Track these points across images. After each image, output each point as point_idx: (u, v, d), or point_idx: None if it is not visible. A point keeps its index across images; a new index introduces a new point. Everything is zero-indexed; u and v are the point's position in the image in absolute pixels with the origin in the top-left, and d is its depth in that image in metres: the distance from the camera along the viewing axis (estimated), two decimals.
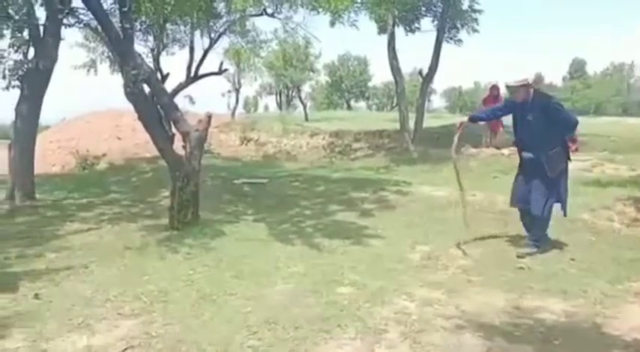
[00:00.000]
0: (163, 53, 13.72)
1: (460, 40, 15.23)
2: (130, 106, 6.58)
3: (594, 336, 3.33)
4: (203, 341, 3.22)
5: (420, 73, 15.75)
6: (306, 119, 26.30)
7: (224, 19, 13.15)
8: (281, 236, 6.02)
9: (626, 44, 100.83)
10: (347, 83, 52.10)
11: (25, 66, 8.49)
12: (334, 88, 52.64)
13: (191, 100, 17.53)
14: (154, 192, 8.94)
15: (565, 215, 5.36)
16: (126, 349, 3.16)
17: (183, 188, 6.29)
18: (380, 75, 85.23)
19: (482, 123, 11.45)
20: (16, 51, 8.67)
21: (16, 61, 8.59)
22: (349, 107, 51.95)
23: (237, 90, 27.83)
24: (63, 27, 8.46)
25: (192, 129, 6.39)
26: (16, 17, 8.65)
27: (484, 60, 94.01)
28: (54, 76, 8.62)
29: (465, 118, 5.62)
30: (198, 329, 3.43)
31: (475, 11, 14.67)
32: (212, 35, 13.38)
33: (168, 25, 12.87)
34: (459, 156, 5.55)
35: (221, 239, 5.86)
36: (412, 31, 15.26)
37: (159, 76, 11.19)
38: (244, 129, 18.43)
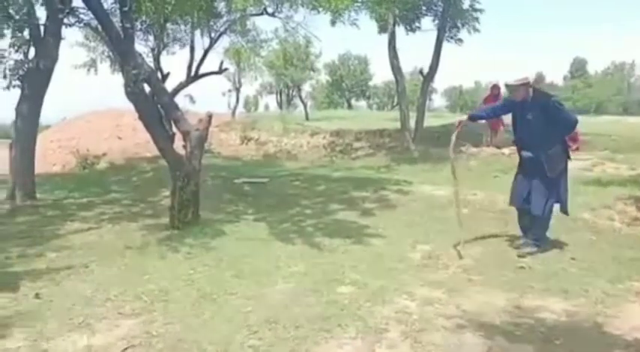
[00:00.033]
0: (164, 53, 13.75)
1: (460, 40, 15.20)
2: (130, 106, 6.58)
3: (595, 336, 3.33)
4: (203, 340, 3.22)
5: (421, 72, 15.73)
6: (307, 118, 26.27)
7: (224, 19, 13.17)
8: (281, 235, 6.02)
9: (627, 43, 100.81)
10: (347, 82, 52.05)
11: (26, 65, 8.49)
12: (335, 87, 52.59)
13: (191, 100, 17.54)
14: (155, 192, 8.94)
15: (567, 214, 5.35)
16: (126, 348, 3.16)
17: (184, 187, 6.30)
18: (380, 74, 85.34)
19: (482, 122, 11.49)
20: (16, 51, 8.67)
21: (16, 61, 8.59)
22: (350, 106, 51.90)
23: (238, 90, 27.82)
24: (63, 26, 8.46)
25: (192, 128, 6.39)
26: (17, 17, 8.65)
27: (485, 59, 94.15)
28: (54, 75, 8.63)
29: (465, 117, 5.60)
30: (199, 328, 3.43)
31: (476, 10, 14.63)
32: (212, 34, 13.39)
33: (168, 25, 12.87)
34: (456, 156, 5.54)
35: (221, 238, 5.86)
36: (413, 30, 15.22)
37: (159, 75, 11.20)
38: (245, 129, 18.42)
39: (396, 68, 15.12)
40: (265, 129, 18.48)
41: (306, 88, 38.89)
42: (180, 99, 14.57)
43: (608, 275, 4.41)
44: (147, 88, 6.54)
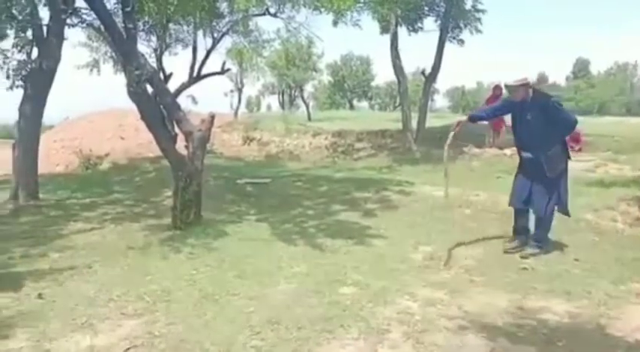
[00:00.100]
0: (166, 53, 13.76)
1: (462, 40, 15.21)
2: (133, 106, 6.59)
3: (598, 337, 3.33)
4: (206, 340, 3.23)
5: (423, 72, 15.72)
6: (309, 119, 26.24)
7: (227, 19, 13.19)
8: (284, 236, 6.02)
9: (630, 44, 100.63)
10: (349, 83, 52.06)
11: (29, 66, 8.51)
12: (337, 88, 52.57)
13: (194, 100, 17.49)
14: (157, 192, 8.95)
15: (569, 215, 5.34)
16: (129, 349, 3.17)
17: (186, 188, 6.30)
18: (382, 74, 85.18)
19: (485, 123, 11.48)
20: (19, 51, 8.69)
21: (19, 61, 8.61)
22: (352, 107, 51.88)
23: (240, 90, 27.84)
24: (66, 27, 8.46)
25: (195, 129, 6.40)
26: (20, 17, 8.66)
27: (487, 59, 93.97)
28: (57, 75, 8.63)
29: (464, 118, 5.58)
30: (201, 328, 3.43)
31: (478, 11, 14.63)
32: (215, 35, 13.40)
33: (171, 25, 12.90)
34: (450, 153, 5.55)
35: (224, 239, 5.86)
36: (415, 30, 15.22)
37: (162, 75, 11.22)
38: (247, 129, 18.44)
39: (398, 69, 15.11)
40: (267, 130, 18.49)
41: (309, 88, 39.00)
42: (183, 100, 14.59)
43: (610, 277, 4.40)
44: (149, 89, 6.55)
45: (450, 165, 5.66)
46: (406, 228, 6.31)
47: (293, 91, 33.36)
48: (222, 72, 14.25)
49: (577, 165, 8.89)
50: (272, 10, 11.93)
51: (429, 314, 3.63)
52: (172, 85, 12.15)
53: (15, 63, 8.58)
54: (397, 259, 5.00)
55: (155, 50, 13.37)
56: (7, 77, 8.49)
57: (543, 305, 3.83)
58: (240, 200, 8.33)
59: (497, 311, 3.71)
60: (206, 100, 26.60)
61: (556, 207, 5.19)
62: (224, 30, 13.38)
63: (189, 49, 13.65)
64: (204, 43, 13.65)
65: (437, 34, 14.71)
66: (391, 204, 7.62)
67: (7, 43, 8.75)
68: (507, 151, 10.96)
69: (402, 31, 15.24)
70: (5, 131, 27.51)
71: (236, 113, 26.57)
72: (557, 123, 4.95)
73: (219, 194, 8.52)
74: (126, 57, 6.48)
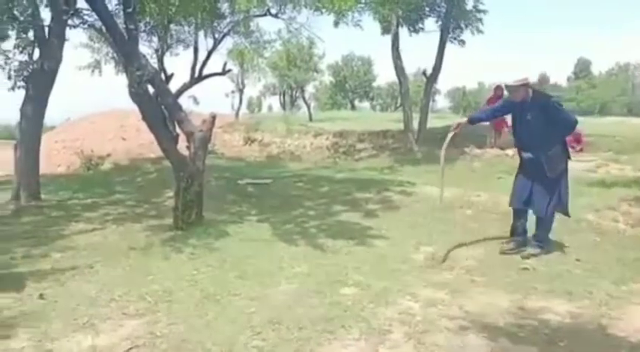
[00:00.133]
0: (167, 54, 13.80)
1: (463, 41, 15.20)
2: (134, 107, 6.60)
3: (599, 338, 3.33)
4: (207, 341, 3.23)
5: (424, 73, 15.72)
6: (310, 119, 26.26)
7: (228, 20, 13.21)
8: (285, 236, 6.02)
9: (631, 44, 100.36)
10: (351, 83, 52.08)
11: (30, 67, 8.52)
12: (338, 88, 52.61)
13: (195, 101, 17.49)
14: (159, 193, 8.96)
15: (569, 216, 5.34)
16: (130, 349, 3.17)
17: (188, 188, 6.31)
18: (384, 75, 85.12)
19: (486, 123, 11.47)
20: (21, 52, 8.71)
21: (21, 62, 8.63)
22: (353, 107, 51.89)
23: (241, 91, 27.89)
24: (68, 28, 8.50)
25: (196, 129, 6.40)
26: (21, 18, 8.68)
27: (488, 60, 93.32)
28: (59, 76, 8.64)
29: (464, 119, 5.56)
30: (203, 329, 3.44)
31: (479, 11, 14.62)
32: (216, 36, 13.43)
33: (172, 26, 12.93)
34: (446, 159, 5.55)
35: (225, 239, 5.87)
36: (416, 31, 15.22)
37: (163, 76, 11.24)
38: (248, 130, 18.46)
39: (399, 69, 15.12)
40: (269, 130, 18.51)
41: (310, 89, 39.00)
42: (184, 100, 14.59)
43: (612, 277, 4.40)
44: (151, 89, 6.55)
45: (446, 167, 5.66)
46: (407, 228, 6.31)
47: (294, 92, 33.38)
48: (224, 72, 14.28)
49: (578, 166, 8.89)
50: (273, 11, 11.95)
51: (430, 315, 3.63)
52: (174, 86, 12.22)
53: (17, 64, 8.60)
54: (398, 259, 5.00)
55: (156, 51, 13.41)
56: (9, 78, 8.52)
57: (544, 305, 3.83)
58: (242, 200, 8.33)
59: (498, 312, 3.71)
60: (207, 101, 26.61)
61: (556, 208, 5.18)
62: (225, 31, 13.41)
63: (191, 50, 13.70)
64: (205, 43, 13.73)
65: (438, 35, 14.72)
66: (392, 205, 7.62)
67: (9, 44, 8.79)
68: (509, 152, 10.95)
69: (403, 31, 15.26)
70: (7, 132, 27.60)
71: (237, 114, 26.63)
72: (557, 123, 4.95)
73: (221, 194, 8.53)
74: (127, 58, 6.49)
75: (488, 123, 11.80)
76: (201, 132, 6.40)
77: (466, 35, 15.10)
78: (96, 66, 14.71)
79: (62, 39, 8.47)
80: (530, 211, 5.26)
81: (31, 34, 8.71)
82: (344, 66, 51.57)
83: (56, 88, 8.65)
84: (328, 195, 8.59)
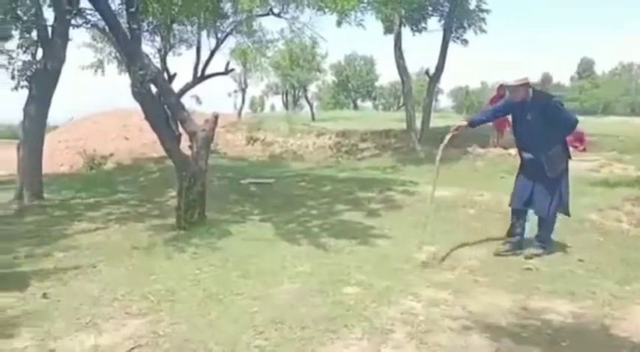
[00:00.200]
0: (170, 53, 13.81)
1: (466, 41, 15.18)
2: (137, 106, 6.61)
3: (602, 338, 3.32)
4: (210, 340, 3.23)
5: (427, 72, 15.71)
6: (313, 119, 26.25)
7: (231, 20, 13.18)
8: (287, 236, 6.02)
9: (634, 44, 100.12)
10: (353, 83, 52.06)
11: (34, 66, 8.54)
12: (341, 88, 52.59)
13: (198, 100, 17.58)
14: (161, 192, 8.98)
15: (569, 215, 5.32)
16: (133, 348, 3.17)
17: (190, 188, 6.31)
18: (386, 74, 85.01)
19: (489, 123, 11.45)
20: (24, 52, 8.74)
21: (24, 62, 8.65)
22: (356, 107, 51.89)
23: (244, 90, 27.82)
24: (71, 27, 8.50)
25: (199, 129, 6.41)
26: (25, 18, 8.71)
27: (491, 59, 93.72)
28: (62, 76, 8.67)
29: (464, 122, 5.53)
30: (205, 328, 3.44)
31: (482, 11, 14.59)
32: (219, 35, 13.42)
33: (175, 26, 12.92)
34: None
35: (227, 239, 5.87)
36: (419, 30, 15.21)
37: (166, 76, 11.24)
38: (251, 129, 18.47)
39: (402, 69, 15.10)
40: (271, 130, 18.51)
41: (312, 88, 39.01)
42: (187, 100, 14.65)
43: (615, 277, 4.39)
44: (154, 89, 6.57)
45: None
46: (410, 227, 6.30)
47: (297, 91, 33.30)
48: (226, 72, 14.27)
49: (581, 165, 8.87)
50: (276, 11, 11.92)
51: (432, 315, 3.63)
52: (176, 85, 12.21)
53: (20, 63, 8.62)
54: (401, 259, 4.99)
55: (159, 50, 13.41)
56: (12, 78, 8.54)
57: (547, 305, 3.82)
58: (244, 200, 8.34)
59: (501, 312, 3.70)
60: (210, 100, 26.68)
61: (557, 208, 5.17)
62: (228, 30, 13.40)
63: (193, 50, 13.69)
64: (208, 43, 13.64)
65: (441, 34, 14.71)
66: (395, 204, 7.62)
67: (12, 44, 8.83)
68: (512, 151, 10.92)
69: (406, 31, 15.26)
70: (10, 131, 27.65)
71: (240, 113, 26.58)
72: (557, 123, 4.93)
73: (223, 194, 8.54)
74: (130, 57, 6.50)
75: (490, 122, 11.79)
76: (204, 131, 6.40)
77: (469, 35, 15.11)
78: (99, 65, 14.75)
79: (65, 39, 8.49)
80: (532, 212, 5.25)
81: (34, 34, 8.74)
82: (346, 65, 51.54)
83: (59, 88, 8.69)
84: (331, 194, 8.59)
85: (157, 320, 3.57)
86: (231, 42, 14.58)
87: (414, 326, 3.43)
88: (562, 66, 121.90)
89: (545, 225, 5.17)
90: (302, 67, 28.66)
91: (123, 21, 7.03)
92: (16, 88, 8.57)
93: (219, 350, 3.13)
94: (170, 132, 6.60)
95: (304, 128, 19.21)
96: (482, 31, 14.79)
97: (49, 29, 8.48)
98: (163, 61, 13.24)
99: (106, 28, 7.52)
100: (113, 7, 7.72)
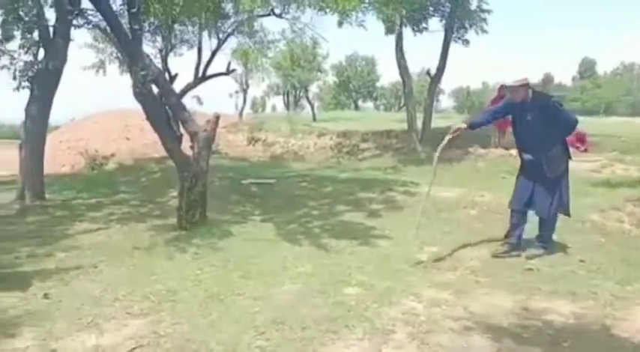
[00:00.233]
0: (171, 54, 13.81)
1: (467, 41, 15.15)
2: (138, 107, 6.62)
3: (603, 338, 3.32)
4: (211, 340, 3.24)
5: (428, 73, 15.69)
6: (314, 119, 26.24)
7: (232, 20, 13.18)
8: (288, 236, 6.03)
9: (636, 44, 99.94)
10: (354, 83, 52.02)
11: (35, 67, 8.57)
12: (342, 88, 52.57)
13: (199, 101, 17.51)
14: (163, 193, 8.99)
15: (569, 216, 5.31)
16: (134, 348, 3.18)
17: (192, 188, 6.32)
18: (388, 75, 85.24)
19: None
20: (26, 52, 8.76)
21: (26, 62, 8.67)
22: (357, 107, 51.85)
23: (245, 91, 27.83)
24: (72, 28, 8.53)
25: (200, 129, 6.42)
26: (26, 18, 8.73)
27: (492, 60, 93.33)
28: (63, 76, 8.70)
29: (464, 125, 5.48)
30: (206, 328, 3.44)
31: (483, 11, 14.55)
32: (220, 36, 13.41)
33: (176, 26, 12.93)
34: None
35: (229, 239, 5.88)
36: (420, 31, 15.18)
37: (167, 76, 11.24)
38: (252, 130, 18.46)
39: (403, 69, 15.09)
40: (272, 131, 18.51)
41: (314, 89, 39.00)
42: (188, 100, 14.61)
43: (616, 278, 4.38)
44: (155, 89, 6.58)
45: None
46: (411, 228, 6.27)
47: (298, 92, 33.32)
48: (228, 72, 14.27)
49: (583, 166, 8.87)
50: (277, 11, 11.92)
51: (434, 315, 3.63)
52: (177, 86, 12.21)
53: (22, 64, 8.65)
54: (402, 260, 4.99)
55: (160, 51, 13.43)
56: (14, 78, 8.56)
57: (548, 306, 3.82)
58: (245, 200, 8.35)
59: (502, 312, 3.70)
60: (211, 101, 26.67)
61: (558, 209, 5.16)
62: (229, 31, 13.40)
63: (195, 50, 13.69)
64: (209, 43, 13.64)
65: (442, 35, 14.69)
66: (396, 205, 7.62)
67: (14, 44, 8.84)
68: (513, 152, 10.90)
69: (407, 31, 15.23)
70: (12, 131, 27.68)
71: (241, 114, 26.61)
72: (557, 123, 4.91)
73: (225, 194, 8.54)
74: (131, 58, 6.51)
75: (490, 124, 11.77)
76: (205, 132, 6.41)
77: (470, 35, 15.07)
78: (100, 66, 14.76)
79: (67, 39, 8.51)
80: (532, 212, 5.24)
81: (36, 35, 8.76)
82: (348, 66, 51.50)
83: (61, 88, 8.72)
84: (332, 195, 8.59)
85: (159, 321, 3.57)
86: (232, 42, 14.60)
87: (415, 326, 3.43)
88: (563, 66, 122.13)
89: (546, 225, 5.16)
90: (303, 67, 28.67)
91: (124, 21, 7.05)
92: (17, 89, 8.59)
93: (220, 351, 3.13)
94: (171, 133, 6.60)
95: (305, 128, 19.20)
96: (484, 31, 14.76)
97: (51, 30, 8.50)
98: (164, 61, 13.26)
99: (108, 28, 7.54)
100: (114, 7, 7.73)
